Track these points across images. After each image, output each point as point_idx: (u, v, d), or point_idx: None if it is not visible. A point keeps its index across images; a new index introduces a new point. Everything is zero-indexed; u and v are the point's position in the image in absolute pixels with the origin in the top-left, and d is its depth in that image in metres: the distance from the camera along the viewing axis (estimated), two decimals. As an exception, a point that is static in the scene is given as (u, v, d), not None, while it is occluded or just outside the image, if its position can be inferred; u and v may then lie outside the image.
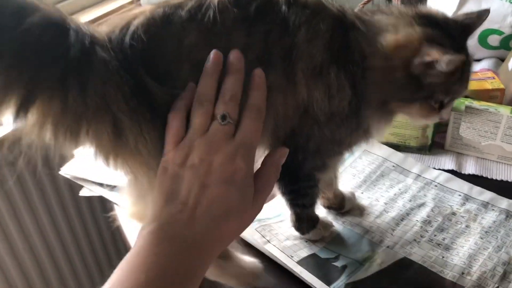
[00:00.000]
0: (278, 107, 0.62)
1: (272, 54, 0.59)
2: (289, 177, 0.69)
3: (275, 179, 0.61)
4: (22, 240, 1.30)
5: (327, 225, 0.79)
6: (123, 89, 0.55)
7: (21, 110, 0.52)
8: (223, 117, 0.56)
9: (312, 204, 0.75)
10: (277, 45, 0.59)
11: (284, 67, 0.60)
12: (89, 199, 1.48)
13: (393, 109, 0.67)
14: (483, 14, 0.70)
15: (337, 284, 0.69)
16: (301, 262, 0.72)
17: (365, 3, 1.30)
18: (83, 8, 1.77)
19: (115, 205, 0.90)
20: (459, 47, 0.65)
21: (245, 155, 0.56)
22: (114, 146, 0.58)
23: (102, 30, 0.57)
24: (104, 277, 0.52)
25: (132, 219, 0.72)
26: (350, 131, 0.67)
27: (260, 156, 0.71)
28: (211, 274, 0.69)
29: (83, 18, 1.66)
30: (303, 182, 0.70)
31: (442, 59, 0.58)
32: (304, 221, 0.76)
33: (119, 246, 1.64)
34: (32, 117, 0.53)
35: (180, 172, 0.55)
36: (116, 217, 0.87)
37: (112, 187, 0.93)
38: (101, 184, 0.93)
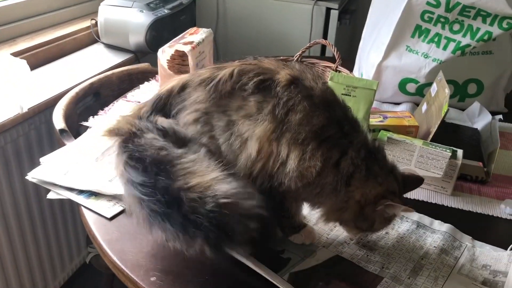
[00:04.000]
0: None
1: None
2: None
3: None
4: None
5: (311, 236, 0.92)
6: None
7: None
8: None
9: (292, 216, 0.89)
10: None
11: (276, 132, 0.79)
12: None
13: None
14: (419, 182, 0.92)
15: (282, 272, 0.83)
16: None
17: (303, 51, 1.50)
18: (40, 29, 1.85)
19: (82, 207, 0.98)
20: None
21: None
22: None
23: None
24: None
25: None
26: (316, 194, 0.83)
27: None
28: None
29: (37, 40, 1.74)
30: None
31: (398, 211, 0.82)
32: (285, 227, 0.91)
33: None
34: None
35: None
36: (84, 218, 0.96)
37: (79, 191, 1.01)
38: (70, 189, 1.02)
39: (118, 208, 0.97)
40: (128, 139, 0.81)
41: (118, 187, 1.01)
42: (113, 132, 0.83)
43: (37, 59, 1.70)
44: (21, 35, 1.76)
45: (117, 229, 0.93)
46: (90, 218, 0.96)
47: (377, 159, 0.83)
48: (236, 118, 0.80)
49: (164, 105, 0.85)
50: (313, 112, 0.78)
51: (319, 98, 0.80)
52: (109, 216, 0.95)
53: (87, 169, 1.07)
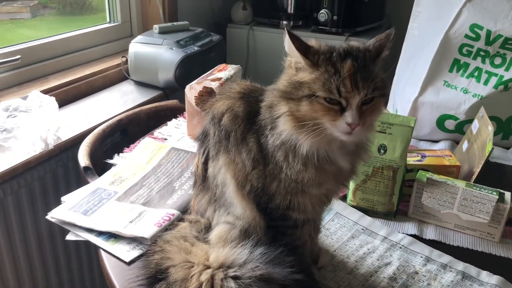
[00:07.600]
0: (237, 173, 0.80)
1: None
2: (268, 216, 0.81)
3: None
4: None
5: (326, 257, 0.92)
6: None
7: None
8: None
9: (293, 248, 0.81)
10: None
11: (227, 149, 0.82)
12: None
13: (298, 116, 0.72)
14: (389, 34, 0.76)
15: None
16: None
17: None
18: (71, 67, 1.86)
19: (100, 250, 0.93)
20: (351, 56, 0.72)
21: None
22: None
23: None
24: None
25: None
26: (280, 168, 0.77)
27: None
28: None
29: (68, 78, 1.75)
30: (280, 221, 0.81)
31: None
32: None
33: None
34: None
35: None
36: (103, 261, 0.91)
37: (99, 233, 0.97)
38: (89, 230, 0.97)
39: (137, 251, 0.92)
40: None
41: (139, 228, 0.96)
42: None
43: (68, 96, 1.70)
44: (53, 73, 1.78)
45: (136, 274, 0.87)
46: (108, 262, 0.91)
47: None
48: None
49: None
50: (234, 104, 0.82)
51: (234, 91, 0.84)
52: (127, 260, 0.90)
53: (108, 209, 1.03)
